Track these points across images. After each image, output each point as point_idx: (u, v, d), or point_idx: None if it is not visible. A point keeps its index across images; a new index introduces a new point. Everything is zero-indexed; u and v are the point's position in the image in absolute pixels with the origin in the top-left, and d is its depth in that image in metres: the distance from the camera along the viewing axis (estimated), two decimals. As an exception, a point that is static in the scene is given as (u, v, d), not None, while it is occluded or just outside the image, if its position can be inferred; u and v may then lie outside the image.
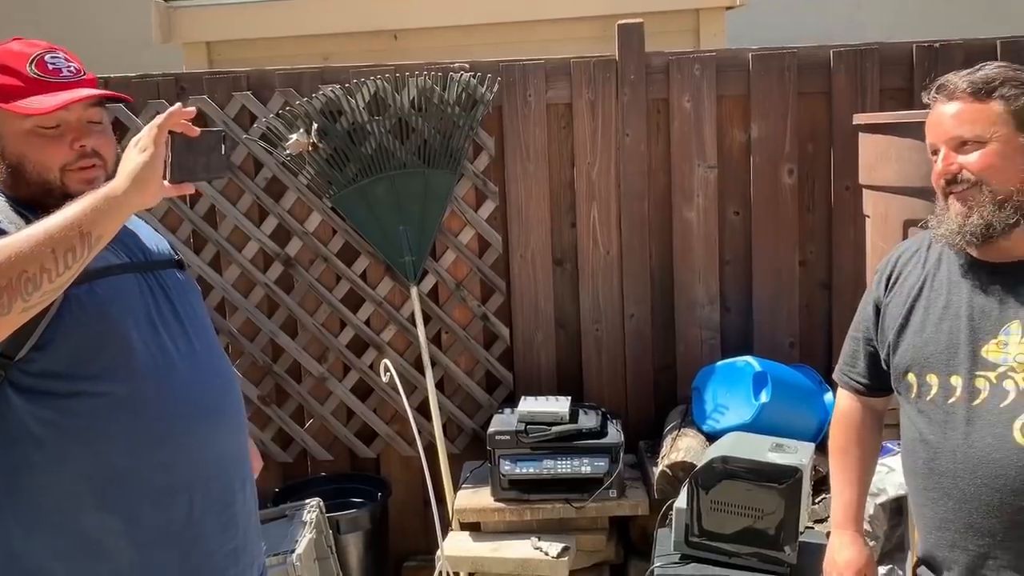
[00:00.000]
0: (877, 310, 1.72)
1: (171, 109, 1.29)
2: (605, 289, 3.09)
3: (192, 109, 1.31)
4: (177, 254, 1.57)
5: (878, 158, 2.50)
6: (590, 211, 3.05)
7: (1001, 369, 1.50)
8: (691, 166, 3.00)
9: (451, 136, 2.94)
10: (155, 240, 1.52)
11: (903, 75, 2.92)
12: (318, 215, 3.08)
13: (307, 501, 2.66)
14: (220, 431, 1.43)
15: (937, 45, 2.89)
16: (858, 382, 1.79)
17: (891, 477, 2.32)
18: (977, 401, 1.51)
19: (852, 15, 4.83)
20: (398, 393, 2.59)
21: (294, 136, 2.92)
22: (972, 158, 1.52)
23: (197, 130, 1.32)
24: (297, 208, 3.10)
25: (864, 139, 2.59)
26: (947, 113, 1.54)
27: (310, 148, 2.93)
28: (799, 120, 2.96)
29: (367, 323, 3.12)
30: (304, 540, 2.43)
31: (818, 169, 2.99)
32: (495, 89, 2.94)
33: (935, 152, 1.57)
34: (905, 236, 2.42)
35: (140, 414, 1.34)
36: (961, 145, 1.53)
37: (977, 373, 1.52)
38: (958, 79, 1.55)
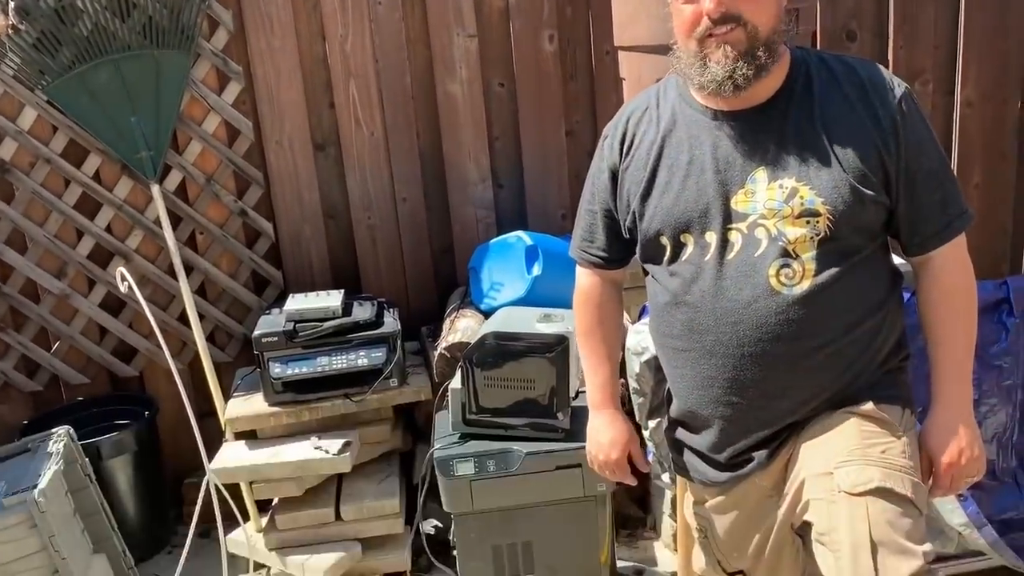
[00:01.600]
0: (614, 177, 1.64)
1: None
2: (373, 173, 2.92)
3: None
4: None
5: (629, 17, 2.45)
6: (348, 89, 2.84)
7: (752, 218, 1.50)
8: (450, 35, 2.84)
9: (180, 11, 2.60)
10: None
11: (655, -67, 2.86)
12: (32, 110, 2.68)
13: (53, 431, 2.39)
14: None
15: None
16: (599, 256, 1.73)
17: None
18: (731, 255, 1.50)
19: None
20: (138, 303, 2.34)
21: (-13, 17, 2.48)
22: None
23: None
24: (5, 104, 2.68)
25: (616, -2, 2.53)
26: None
27: (9, 31, 2.50)
28: (556, -18, 2.85)
29: (108, 230, 2.80)
30: (48, 473, 2.18)
31: (578, 34, 2.92)
32: (225, -45, 2.62)
33: None
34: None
35: None
36: None
37: (730, 227, 1.51)
38: None
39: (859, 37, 2.90)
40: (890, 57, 2.91)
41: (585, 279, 1.79)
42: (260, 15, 2.74)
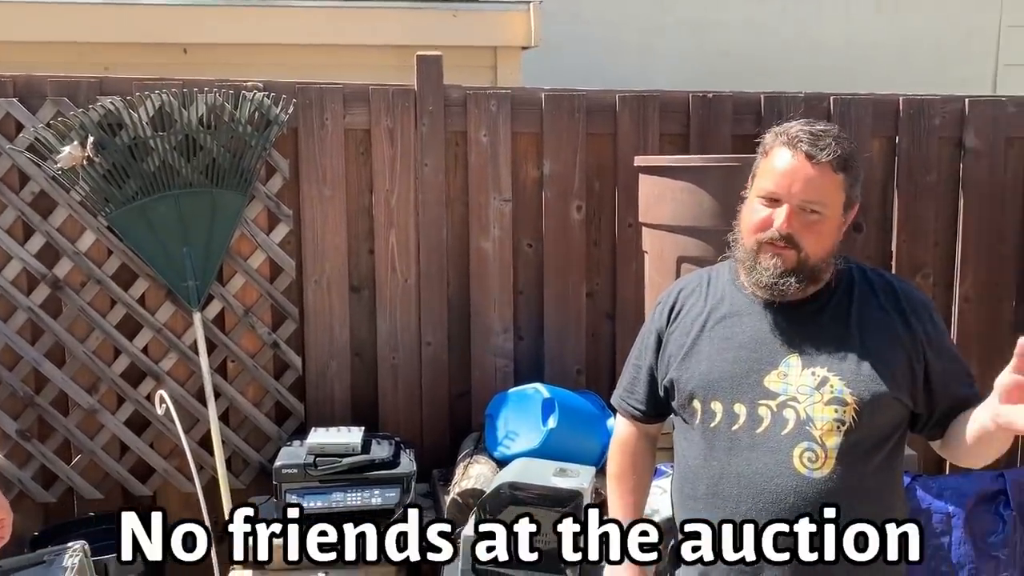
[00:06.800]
0: (659, 340, 1.80)
1: None
2: (403, 317, 3.07)
3: None
4: None
5: (655, 198, 2.67)
6: (388, 238, 3.04)
7: (781, 398, 1.62)
8: (487, 198, 3.07)
9: (242, 156, 2.83)
10: None
11: (680, 121, 3.14)
12: (92, 234, 2.86)
13: (69, 544, 2.42)
14: None
15: (710, 96, 3.14)
16: (637, 409, 1.86)
17: (664, 498, 2.46)
18: (760, 429, 1.62)
19: (641, 62, 5.16)
20: (175, 425, 2.43)
21: (67, 149, 2.70)
22: (810, 229, 1.59)
23: None
24: (68, 226, 2.86)
25: (643, 180, 2.76)
26: (803, 173, 1.58)
27: (85, 162, 2.72)
28: (587, 159, 3.10)
29: (144, 351, 2.92)
30: (62, 588, 2.21)
31: (604, 206, 3.15)
32: (290, 110, 2.87)
33: (772, 199, 1.61)
34: (678, 271, 2.59)
35: None
36: (804, 210, 1.60)
37: (759, 402, 1.63)
38: (823, 144, 1.59)
39: (864, 230, 3.12)
40: (893, 250, 3.12)
41: (622, 427, 1.92)
42: (315, 166, 2.97)
